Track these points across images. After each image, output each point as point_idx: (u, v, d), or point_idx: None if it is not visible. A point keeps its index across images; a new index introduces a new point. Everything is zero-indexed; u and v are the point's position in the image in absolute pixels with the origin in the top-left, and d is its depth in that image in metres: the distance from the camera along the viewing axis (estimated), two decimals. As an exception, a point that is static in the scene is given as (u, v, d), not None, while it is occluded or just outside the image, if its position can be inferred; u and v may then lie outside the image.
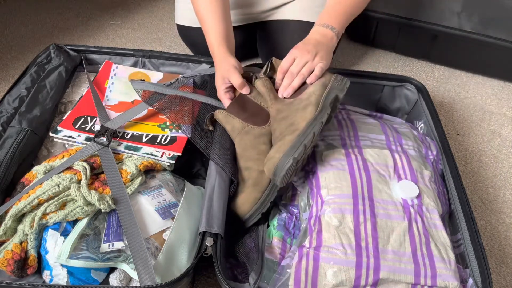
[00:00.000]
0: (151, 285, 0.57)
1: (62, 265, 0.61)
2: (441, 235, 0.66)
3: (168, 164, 0.75)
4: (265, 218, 0.74)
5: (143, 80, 0.92)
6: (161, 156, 0.75)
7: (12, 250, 0.61)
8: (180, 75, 0.92)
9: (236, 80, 0.77)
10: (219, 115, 0.77)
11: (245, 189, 0.72)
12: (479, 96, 1.21)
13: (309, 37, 0.80)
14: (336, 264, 0.60)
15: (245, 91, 0.78)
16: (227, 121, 0.76)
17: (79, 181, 0.66)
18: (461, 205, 0.71)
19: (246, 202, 0.71)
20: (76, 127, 0.78)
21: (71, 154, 0.72)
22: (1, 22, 1.36)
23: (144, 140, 0.77)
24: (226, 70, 0.78)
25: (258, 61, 1.23)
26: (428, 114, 0.90)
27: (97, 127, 0.78)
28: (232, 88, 0.80)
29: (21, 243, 0.62)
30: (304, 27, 0.99)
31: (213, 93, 0.88)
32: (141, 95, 0.83)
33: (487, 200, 0.93)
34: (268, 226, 0.73)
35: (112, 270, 0.64)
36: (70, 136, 0.76)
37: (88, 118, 0.80)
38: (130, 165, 0.71)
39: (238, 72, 0.77)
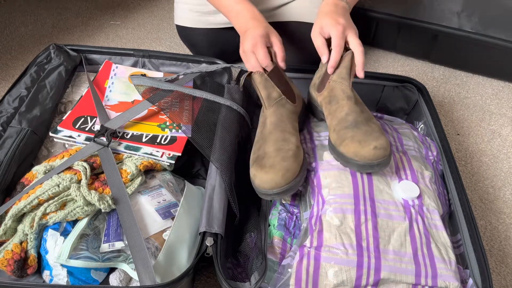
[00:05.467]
0: (151, 285, 0.57)
1: (62, 265, 0.61)
2: (442, 235, 0.66)
3: (168, 164, 0.75)
4: (266, 218, 0.74)
5: (145, 74, 0.92)
6: (161, 156, 0.75)
7: (12, 250, 0.61)
8: (182, 72, 0.93)
9: (280, 47, 0.73)
10: (257, 77, 0.71)
11: (288, 159, 0.66)
12: (479, 96, 1.21)
13: (324, 9, 0.77)
14: (337, 263, 0.60)
15: (283, 65, 0.73)
16: (265, 86, 0.71)
17: (79, 181, 0.66)
18: (461, 205, 0.71)
19: (288, 172, 0.65)
20: (76, 127, 0.77)
21: (71, 154, 0.72)
22: (1, 22, 1.36)
23: (144, 140, 0.77)
24: (271, 31, 0.73)
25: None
26: (428, 114, 0.90)
27: (97, 127, 0.78)
28: (269, 55, 0.74)
29: (21, 243, 0.62)
30: (303, 28, 0.99)
31: (214, 91, 0.89)
32: (142, 93, 0.83)
33: (487, 200, 0.93)
34: (269, 225, 0.73)
35: (112, 270, 0.64)
36: (70, 136, 0.76)
37: (88, 118, 0.80)
38: (130, 165, 0.71)
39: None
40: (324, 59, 0.75)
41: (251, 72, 0.73)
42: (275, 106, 0.72)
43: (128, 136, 0.77)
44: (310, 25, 0.99)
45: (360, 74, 0.72)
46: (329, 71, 0.74)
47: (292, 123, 0.72)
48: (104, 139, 0.74)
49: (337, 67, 0.74)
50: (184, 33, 1.13)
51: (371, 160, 0.65)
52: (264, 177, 0.65)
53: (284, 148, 0.68)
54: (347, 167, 0.70)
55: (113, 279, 0.63)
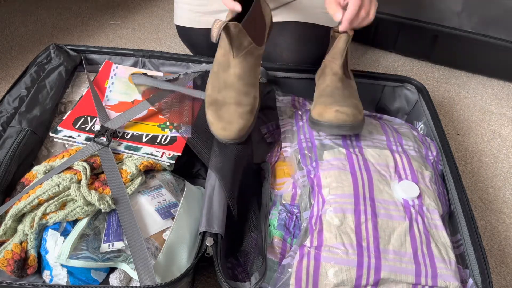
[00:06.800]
0: (151, 285, 0.57)
1: (62, 265, 0.61)
2: (442, 235, 0.66)
3: (168, 164, 0.75)
4: (266, 217, 0.74)
5: (146, 73, 0.91)
6: (161, 156, 0.75)
7: (12, 250, 0.61)
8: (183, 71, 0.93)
9: None
10: (233, 28, 0.67)
11: (245, 115, 0.72)
12: (479, 96, 1.21)
13: None
14: (337, 263, 0.60)
15: None
16: (238, 37, 0.69)
17: (79, 181, 0.66)
18: (461, 205, 0.71)
19: (243, 129, 0.72)
20: (76, 127, 0.77)
21: (71, 154, 0.72)
22: (1, 22, 1.36)
23: (144, 140, 0.77)
24: None
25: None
26: (428, 114, 0.90)
27: (97, 127, 0.78)
28: None
29: (21, 243, 0.62)
30: (303, 28, 0.99)
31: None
32: (142, 94, 0.83)
33: (487, 200, 0.93)
34: (269, 225, 0.73)
35: (112, 270, 0.64)
36: (70, 136, 0.76)
37: (88, 118, 0.80)
38: (130, 165, 0.71)
39: None
40: (338, 16, 0.75)
41: (227, 24, 0.67)
42: (242, 57, 0.71)
43: (128, 136, 0.77)
44: (310, 25, 0.99)
45: (342, 26, 0.75)
46: (343, 25, 0.75)
47: (255, 71, 0.74)
48: (104, 139, 0.74)
49: (332, 48, 0.79)
50: (184, 33, 1.13)
51: (331, 121, 0.71)
52: (220, 131, 0.71)
53: (243, 102, 0.72)
54: (314, 129, 0.76)
55: (113, 279, 0.63)
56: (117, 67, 0.94)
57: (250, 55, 0.72)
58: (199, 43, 1.11)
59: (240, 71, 0.72)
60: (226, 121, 0.72)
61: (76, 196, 0.63)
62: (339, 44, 0.78)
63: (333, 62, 0.79)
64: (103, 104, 0.83)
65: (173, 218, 0.67)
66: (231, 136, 0.71)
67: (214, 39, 0.66)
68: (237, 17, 0.74)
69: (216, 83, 0.74)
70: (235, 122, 0.72)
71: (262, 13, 0.75)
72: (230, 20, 0.68)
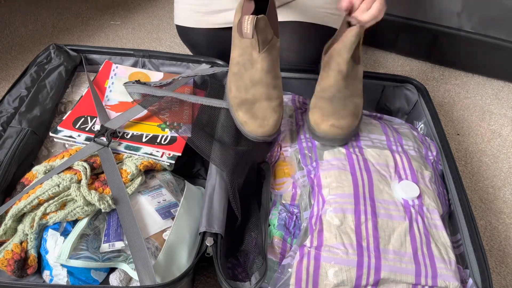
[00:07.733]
0: (151, 285, 0.57)
1: (62, 265, 0.61)
2: (442, 235, 0.66)
3: (168, 164, 0.75)
4: (266, 217, 0.74)
5: (138, 80, 0.90)
6: (161, 156, 0.75)
7: (12, 250, 0.61)
8: (179, 75, 0.92)
9: None
10: (261, 22, 0.67)
11: (277, 108, 0.72)
12: (479, 96, 1.21)
13: None
14: (337, 263, 0.60)
15: None
16: (263, 30, 0.69)
17: (79, 181, 0.66)
18: (461, 205, 0.71)
19: (278, 123, 0.72)
20: (76, 127, 0.77)
21: (71, 154, 0.72)
22: (1, 22, 1.36)
23: (144, 140, 0.77)
24: None
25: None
26: (428, 114, 0.90)
27: (97, 127, 0.78)
28: None
29: (21, 243, 0.62)
30: (303, 28, 0.99)
31: (213, 93, 0.88)
32: (135, 100, 0.82)
33: (487, 200, 0.93)
34: (269, 225, 0.73)
35: (112, 270, 0.64)
36: (70, 136, 0.76)
37: (88, 118, 0.80)
38: (130, 165, 0.71)
39: None
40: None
41: (257, 18, 0.67)
42: (268, 50, 0.71)
43: (128, 136, 0.77)
44: (310, 25, 0.99)
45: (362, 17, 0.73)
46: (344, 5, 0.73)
47: (278, 65, 0.74)
48: (104, 139, 0.74)
49: (339, 40, 0.75)
50: (184, 33, 1.13)
51: (326, 133, 0.74)
52: (257, 129, 0.71)
53: (273, 96, 0.73)
54: (308, 133, 0.77)
55: (113, 279, 0.63)
56: (117, 67, 0.94)
57: (273, 47, 0.72)
58: (199, 43, 1.11)
59: (268, 65, 0.72)
60: (261, 118, 0.72)
61: (76, 196, 0.63)
62: (348, 37, 0.72)
63: (339, 56, 0.75)
64: (103, 104, 0.83)
65: (173, 218, 0.67)
66: (269, 132, 0.71)
67: (250, 35, 0.68)
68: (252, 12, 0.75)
69: (240, 83, 0.73)
70: (270, 117, 0.72)
71: (273, 1, 0.76)
72: (252, 15, 0.69)
